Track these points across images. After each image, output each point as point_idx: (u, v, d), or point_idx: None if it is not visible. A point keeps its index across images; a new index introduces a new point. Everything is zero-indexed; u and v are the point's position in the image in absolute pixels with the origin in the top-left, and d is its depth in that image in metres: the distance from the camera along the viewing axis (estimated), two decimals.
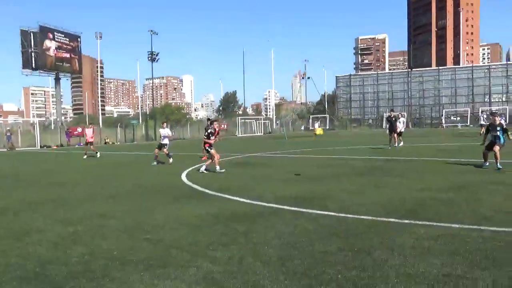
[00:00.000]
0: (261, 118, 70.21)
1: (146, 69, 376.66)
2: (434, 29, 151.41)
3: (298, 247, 5.02)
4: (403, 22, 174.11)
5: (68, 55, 67.79)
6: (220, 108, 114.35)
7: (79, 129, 41.34)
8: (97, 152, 22.46)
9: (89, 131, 23.47)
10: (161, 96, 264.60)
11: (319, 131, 22.47)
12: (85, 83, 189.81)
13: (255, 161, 17.40)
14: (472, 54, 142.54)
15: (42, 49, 62.95)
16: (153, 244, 5.37)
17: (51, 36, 64.44)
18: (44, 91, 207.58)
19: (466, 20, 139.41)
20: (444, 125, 59.33)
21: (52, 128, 56.98)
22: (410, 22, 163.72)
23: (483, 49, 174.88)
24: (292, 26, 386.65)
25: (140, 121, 65.74)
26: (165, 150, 17.09)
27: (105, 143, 42.55)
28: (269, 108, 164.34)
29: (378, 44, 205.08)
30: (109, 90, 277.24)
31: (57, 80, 71.10)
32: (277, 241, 5.31)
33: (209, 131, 13.77)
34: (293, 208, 7.28)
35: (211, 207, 7.65)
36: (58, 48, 65.69)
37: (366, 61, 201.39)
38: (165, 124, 18.34)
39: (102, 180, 12.54)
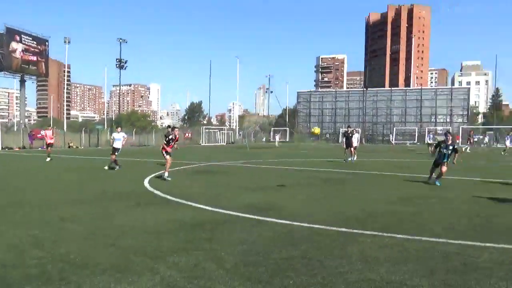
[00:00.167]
0: (224, 128, 70.19)
1: (114, 75, 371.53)
2: (388, 53, 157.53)
3: (255, 254, 5.06)
4: (361, 45, 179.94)
5: (35, 58, 65.36)
6: (186, 117, 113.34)
7: (43, 132, 39.83)
8: (49, 156, 21.59)
9: (49, 132, 22.86)
10: (127, 103, 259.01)
11: (317, 130, 22.45)
12: (51, 86, 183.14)
13: (217, 169, 17.36)
14: (421, 77, 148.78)
15: (8, 51, 60.39)
16: (113, 249, 5.26)
17: (18, 38, 62.00)
18: (8, 92, 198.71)
19: (418, 46, 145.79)
20: (393, 142, 61.28)
21: (15, 130, 54.54)
22: (367, 45, 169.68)
23: (431, 73, 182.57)
24: (259, 43, 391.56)
25: (106, 126, 64.09)
26: (113, 156, 16.65)
27: (69, 147, 41.14)
28: (233, 119, 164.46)
29: (338, 63, 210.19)
30: (75, 95, 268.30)
31: (22, 82, 68.24)
32: (237, 248, 5.33)
33: (169, 137, 13.60)
34: (251, 216, 7.32)
35: (173, 213, 7.57)
36: (25, 50, 63.25)
37: (326, 79, 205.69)
38: (119, 128, 18.33)
39: (64, 184, 12.14)
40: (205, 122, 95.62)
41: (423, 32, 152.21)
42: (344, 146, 21.77)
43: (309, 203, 8.95)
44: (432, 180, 12.28)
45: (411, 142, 60.95)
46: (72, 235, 5.95)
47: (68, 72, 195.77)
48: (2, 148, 36.09)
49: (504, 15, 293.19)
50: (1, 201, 8.85)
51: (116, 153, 16.73)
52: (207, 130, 60.94)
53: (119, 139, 17.08)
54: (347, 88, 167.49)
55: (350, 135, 21.61)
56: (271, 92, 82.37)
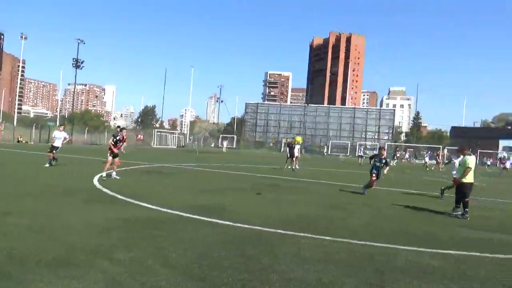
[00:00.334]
0: (176, 133, 68.82)
1: (71, 74, 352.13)
2: (328, 74, 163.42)
3: (195, 252, 4.96)
4: (305, 65, 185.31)
5: None
6: (139, 120, 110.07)
7: None
8: None
9: None
10: (81, 102, 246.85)
11: (299, 139, 21.86)
12: (3, 80, 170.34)
13: (167, 171, 16.94)
14: (355, 98, 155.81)
15: None
16: (57, 245, 4.92)
17: None
18: None
19: (353, 70, 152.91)
20: (325, 153, 63.04)
21: None
22: (310, 65, 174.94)
23: (364, 95, 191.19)
24: (213, 54, 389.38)
25: (58, 123, 60.52)
26: (51, 153, 15.26)
27: (18, 141, 38.36)
28: (185, 124, 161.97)
29: (284, 80, 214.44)
30: (28, 90, 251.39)
31: None
32: (177, 245, 5.20)
33: (117, 137, 12.89)
34: (195, 216, 7.19)
35: (120, 212, 7.25)
36: None
37: (272, 93, 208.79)
38: (62, 127, 17.26)
39: (12, 179, 11.26)
40: (157, 125, 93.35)
41: (359, 58, 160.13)
42: (288, 155, 22.11)
43: (251, 206, 8.96)
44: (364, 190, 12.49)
45: (344, 154, 63.22)
46: (15, 229, 5.51)
47: (23, 67, 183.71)
48: None
49: (426, 50, 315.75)
50: None
51: (54, 151, 15.39)
52: (159, 133, 59.38)
53: (60, 138, 15.86)
54: (291, 102, 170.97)
55: (293, 146, 22.02)
56: (222, 101, 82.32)
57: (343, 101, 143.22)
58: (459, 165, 9.64)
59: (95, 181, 11.45)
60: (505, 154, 53.85)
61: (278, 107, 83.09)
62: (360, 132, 73.35)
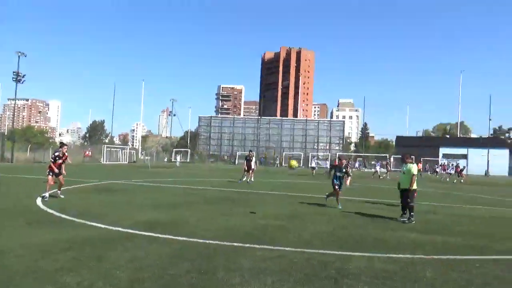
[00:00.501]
0: (127, 148, 66.61)
1: (11, 88, 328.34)
2: (280, 87, 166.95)
3: (149, 270, 4.78)
4: (257, 78, 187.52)
5: None
6: (87, 135, 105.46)
7: None
8: None
9: None
10: (23, 118, 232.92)
11: (294, 163, 20.66)
12: None
13: (117, 187, 16.29)
14: (307, 110, 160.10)
15: None
16: None
17: None
18: None
19: (304, 84, 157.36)
20: (277, 164, 63.86)
21: None
22: (262, 79, 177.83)
23: (315, 107, 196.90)
24: (164, 68, 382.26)
25: None
26: None
27: None
28: (136, 139, 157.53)
29: (236, 93, 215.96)
30: None
31: None
32: (130, 265, 4.99)
33: (56, 153, 11.61)
34: (148, 233, 6.95)
35: (65, 232, 6.84)
36: None
37: (225, 106, 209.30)
38: None
39: None
40: (107, 141, 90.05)
41: (309, 72, 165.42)
42: (245, 168, 22.12)
43: (206, 220, 8.82)
44: (328, 201, 12.49)
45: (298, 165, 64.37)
46: None
47: None
48: None
49: (372, 63, 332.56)
50: None
51: None
52: (108, 149, 57.21)
53: None
54: (244, 115, 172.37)
55: (250, 158, 22.11)
56: (174, 115, 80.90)
57: (295, 113, 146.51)
58: (403, 173, 10.15)
59: (39, 201, 10.75)
60: (445, 161, 57.39)
61: (232, 120, 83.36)
62: (312, 143, 75.24)
